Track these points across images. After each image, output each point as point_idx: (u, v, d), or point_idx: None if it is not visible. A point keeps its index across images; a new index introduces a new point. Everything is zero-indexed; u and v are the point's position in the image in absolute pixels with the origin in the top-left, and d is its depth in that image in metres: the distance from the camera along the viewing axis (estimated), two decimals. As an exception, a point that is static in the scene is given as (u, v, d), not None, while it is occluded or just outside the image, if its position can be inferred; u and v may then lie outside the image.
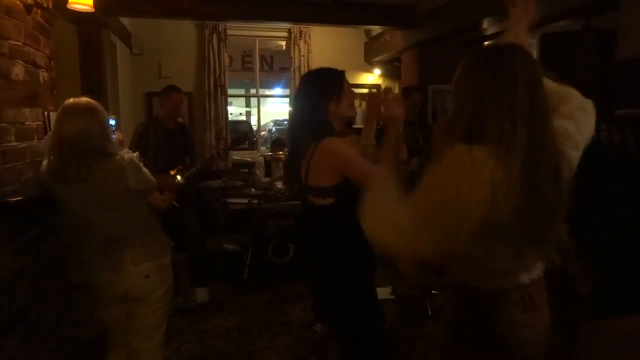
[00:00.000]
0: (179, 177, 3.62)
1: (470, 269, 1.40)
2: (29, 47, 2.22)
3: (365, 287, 1.95)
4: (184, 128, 4.03)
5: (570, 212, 1.50)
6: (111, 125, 2.43)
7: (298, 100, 2.01)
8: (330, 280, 1.95)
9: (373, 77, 6.96)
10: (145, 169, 2.10)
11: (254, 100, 7.84)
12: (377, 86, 6.90)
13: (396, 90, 5.77)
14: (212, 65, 6.26)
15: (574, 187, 1.51)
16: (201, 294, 3.90)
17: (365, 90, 6.77)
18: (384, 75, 6.98)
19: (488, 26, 4.61)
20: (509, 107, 1.17)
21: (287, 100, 7.07)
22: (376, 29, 6.24)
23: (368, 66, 6.92)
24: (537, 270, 1.47)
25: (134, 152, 2.16)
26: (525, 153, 1.15)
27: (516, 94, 1.17)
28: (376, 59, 6.69)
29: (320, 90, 1.93)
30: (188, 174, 3.67)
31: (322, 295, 2.07)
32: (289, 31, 6.56)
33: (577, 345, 1.75)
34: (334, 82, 1.95)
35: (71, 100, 1.98)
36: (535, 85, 1.22)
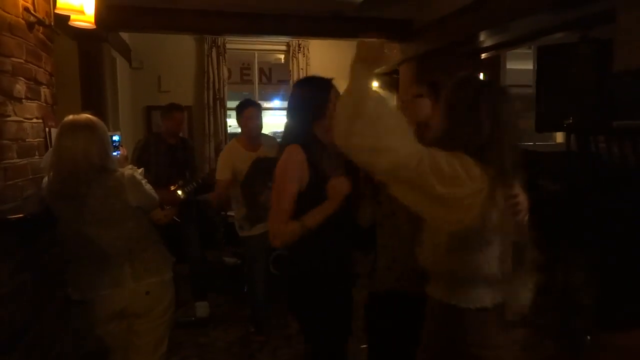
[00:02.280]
0: (179, 192, 3.62)
1: (451, 285, 1.43)
2: (31, 64, 2.24)
3: (327, 298, 1.92)
4: (185, 143, 4.04)
5: (571, 223, 1.58)
6: (116, 140, 2.45)
7: (287, 112, 2.03)
8: (295, 288, 1.99)
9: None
10: (147, 186, 2.10)
11: (253, 113, 7.84)
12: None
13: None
14: (211, 79, 6.29)
15: (574, 199, 1.59)
16: (202, 309, 3.88)
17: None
18: (383, 87, 7.01)
19: (485, 39, 4.65)
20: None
21: (285, 112, 7.09)
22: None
23: (366, 78, 6.95)
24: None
25: (138, 167, 2.17)
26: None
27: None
28: (374, 71, 6.72)
29: (303, 104, 1.94)
30: (189, 188, 3.68)
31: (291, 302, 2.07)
32: (288, 44, 6.61)
33: (581, 358, 1.74)
34: (319, 96, 1.93)
35: (70, 117, 1.99)
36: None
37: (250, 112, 3.32)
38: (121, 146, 2.49)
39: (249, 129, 3.35)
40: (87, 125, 1.96)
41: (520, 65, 7.13)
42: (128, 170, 2.07)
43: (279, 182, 1.84)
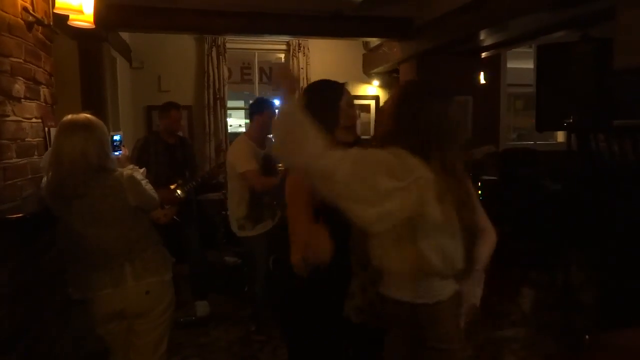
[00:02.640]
0: (179, 191, 3.63)
1: (406, 281, 1.44)
2: (30, 64, 2.24)
3: (306, 306, 1.85)
4: (184, 142, 4.04)
5: (572, 222, 1.60)
6: (117, 140, 2.45)
7: None
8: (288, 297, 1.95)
9: (372, 88, 6.99)
10: (148, 186, 2.10)
11: (253, 113, 7.84)
12: (377, 97, 6.93)
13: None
14: (211, 79, 6.29)
15: (574, 198, 1.60)
16: (202, 308, 3.88)
17: (364, 102, 6.80)
18: (383, 86, 7.01)
19: (485, 37, 4.65)
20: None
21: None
22: (374, 41, 6.28)
23: (367, 78, 6.95)
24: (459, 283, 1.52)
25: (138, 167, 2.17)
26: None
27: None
28: (374, 70, 6.72)
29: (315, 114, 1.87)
30: (188, 187, 3.68)
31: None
32: (288, 44, 6.60)
33: (582, 357, 1.74)
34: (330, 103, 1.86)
35: (69, 117, 1.99)
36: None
37: (271, 114, 3.31)
38: (123, 146, 2.49)
39: (267, 129, 3.35)
40: (85, 125, 1.96)
41: (521, 64, 7.12)
42: (127, 170, 2.07)
43: (292, 209, 1.72)
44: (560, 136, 7.24)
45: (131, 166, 2.32)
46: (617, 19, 3.06)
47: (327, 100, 1.82)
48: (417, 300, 1.42)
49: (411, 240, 1.38)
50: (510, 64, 6.72)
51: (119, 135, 2.56)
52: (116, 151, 2.44)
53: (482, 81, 5.76)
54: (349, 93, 1.90)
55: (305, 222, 1.62)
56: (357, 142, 1.82)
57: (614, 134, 3.27)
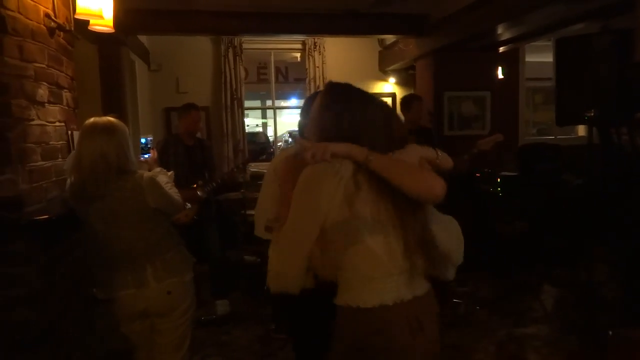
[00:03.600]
0: (199, 192, 3.66)
1: (345, 286, 1.39)
2: (53, 69, 2.29)
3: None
4: (203, 144, 4.08)
5: (594, 217, 1.52)
6: (146, 143, 2.49)
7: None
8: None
9: (388, 85, 6.97)
10: (172, 190, 2.14)
11: (270, 112, 7.89)
12: (393, 95, 6.90)
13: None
14: (228, 79, 6.34)
15: (597, 193, 1.53)
16: (222, 307, 3.92)
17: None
18: (399, 83, 6.98)
19: (502, 32, 4.59)
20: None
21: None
22: (390, 38, 6.26)
23: (383, 75, 6.93)
24: (422, 287, 1.43)
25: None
26: None
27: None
28: (390, 67, 6.70)
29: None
30: (208, 188, 3.72)
31: None
32: (304, 43, 6.62)
33: (605, 354, 1.71)
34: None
35: (91, 120, 2.03)
36: None
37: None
38: (152, 149, 2.53)
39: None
40: (105, 128, 2.00)
41: (540, 58, 7.02)
42: (149, 172, 2.10)
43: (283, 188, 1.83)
44: (581, 130, 7.12)
45: (158, 169, 2.36)
46: (637, 9, 3.00)
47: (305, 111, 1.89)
48: (360, 305, 1.35)
49: (341, 244, 1.35)
50: (529, 58, 6.63)
51: (147, 139, 2.62)
52: (145, 154, 2.49)
53: (500, 76, 5.69)
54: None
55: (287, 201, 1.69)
56: None
57: (636, 126, 3.21)
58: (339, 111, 1.42)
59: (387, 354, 1.33)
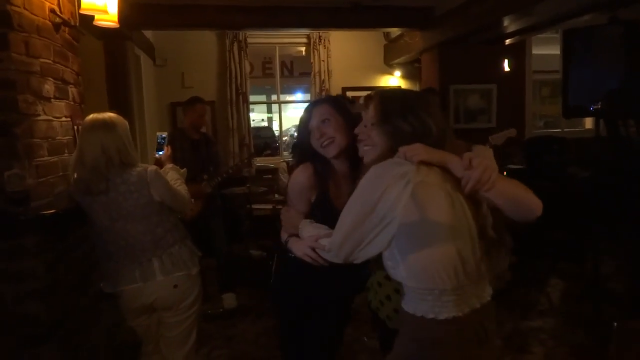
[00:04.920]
0: (205, 186, 3.68)
1: (421, 294, 1.33)
2: (58, 64, 2.30)
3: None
4: (208, 139, 4.08)
5: (601, 211, 1.49)
6: (162, 138, 2.52)
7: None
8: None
9: (394, 79, 6.94)
10: (182, 187, 2.16)
11: (275, 106, 7.89)
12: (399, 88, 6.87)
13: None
14: (233, 74, 6.34)
15: (604, 186, 1.50)
16: (229, 300, 3.94)
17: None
18: (405, 77, 6.95)
19: (509, 24, 4.55)
20: None
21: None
22: (395, 31, 6.22)
23: (388, 68, 6.90)
24: (488, 293, 1.40)
25: (157, 163, 2.22)
26: None
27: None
28: (396, 60, 6.67)
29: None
30: (214, 183, 3.73)
31: None
32: (308, 37, 6.60)
33: (611, 346, 1.71)
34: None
35: (91, 115, 2.05)
36: None
37: None
38: (166, 145, 2.55)
39: None
40: (105, 123, 2.01)
41: (547, 50, 6.96)
42: (153, 166, 2.12)
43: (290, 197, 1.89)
44: (588, 123, 7.06)
45: (170, 165, 2.37)
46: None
47: (304, 121, 1.83)
48: (430, 315, 1.31)
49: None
50: (535, 50, 6.57)
51: (163, 134, 2.64)
52: (160, 150, 2.51)
53: (507, 69, 5.66)
54: (325, 107, 1.79)
55: (295, 211, 1.77)
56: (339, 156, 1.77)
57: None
58: (424, 116, 1.37)
59: None
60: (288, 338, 1.98)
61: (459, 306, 1.30)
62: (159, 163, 2.49)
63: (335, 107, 1.78)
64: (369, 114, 1.44)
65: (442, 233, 1.27)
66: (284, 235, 1.78)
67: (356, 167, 1.68)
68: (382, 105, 1.41)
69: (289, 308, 1.96)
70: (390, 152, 1.36)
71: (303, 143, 1.83)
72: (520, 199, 1.28)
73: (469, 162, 1.22)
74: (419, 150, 1.28)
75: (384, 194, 1.27)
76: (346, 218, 1.36)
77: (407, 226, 1.27)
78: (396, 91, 1.64)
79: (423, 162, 1.28)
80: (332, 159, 1.77)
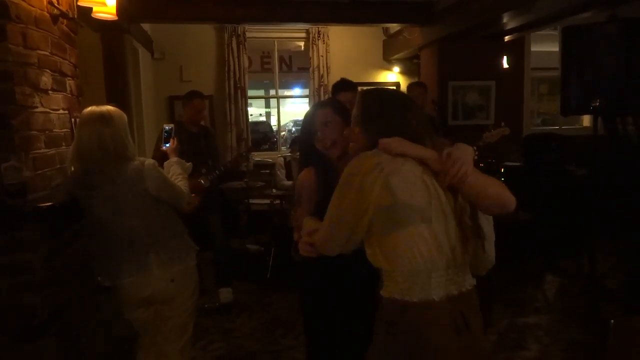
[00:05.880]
0: (202, 180, 3.67)
1: (395, 277, 1.36)
2: (56, 57, 2.29)
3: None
4: (207, 131, 4.07)
5: (598, 208, 1.51)
6: (168, 131, 2.52)
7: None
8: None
9: (392, 75, 6.93)
10: (182, 182, 2.17)
11: (273, 101, 7.88)
12: (397, 84, 6.87)
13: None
14: (231, 68, 6.32)
15: (604, 182, 1.52)
16: (225, 294, 3.94)
17: (384, 89, 6.77)
18: (404, 72, 6.94)
19: (508, 20, 4.55)
20: None
21: (306, 100, 7.10)
22: (394, 27, 6.21)
23: (387, 64, 6.89)
24: (469, 282, 1.42)
25: (157, 156, 2.21)
26: None
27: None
28: (395, 56, 6.66)
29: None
30: (212, 176, 3.72)
31: None
32: (307, 32, 6.58)
33: (607, 343, 1.71)
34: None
35: (89, 108, 2.04)
36: None
37: None
38: (173, 138, 2.54)
39: None
40: (102, 116, 2.00)
41: (546, 47, 6.96)
42: (151, 160, 2.11)
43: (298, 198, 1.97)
44: (586, 120, 7.07)
45: (175, 159, 2.37)
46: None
47: (307, 124, 1.93)
48: (410, 298, 1.34)
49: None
50: (534, 47, 6.58)
51: (169, 126, 2.64)
52: (167, 142, 2.51)
53: (505, 65, 5.65)
54: (327, 111, 1.89)
55: (302, 210, 1.83)
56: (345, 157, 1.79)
57: (642, 117, 3.19)
58: (403, 113, 1.47)
59: (431, 351, 1.32)
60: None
61: (432, 289, 1.33)
62: (165, 155, 2.48)
63: (335, 110, 1.89)
64: (353, 115, 1.55)
65: (415, 216, 1.33)
66: (296, 236, 1.85)
67: None
68: (363, 105, 1.51)
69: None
70: (373, 149, 1.44)
71: (306, 143, 1.94)
72: (490, 194, 1.34)
73: (447, 156, 1.31)
74: (396, 144, 1.37)
75: (361, 183, 1.35)
76: (330, 211, 1.45)
77: (381, 210, 1.34)
78: (376, 90, 1.71)
79: (401, 155, 1.36)
80: (337, 159, 1.86)
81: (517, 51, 5.97)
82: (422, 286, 1.33)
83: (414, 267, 1.33)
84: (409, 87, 4.32)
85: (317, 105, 1.99)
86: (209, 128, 4.30)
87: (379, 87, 1.48)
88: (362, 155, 1.41)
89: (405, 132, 1.42)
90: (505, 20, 4.52)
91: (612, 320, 1.62)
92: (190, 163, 2.44)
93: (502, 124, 3.37)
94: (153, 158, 2.32)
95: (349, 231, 1.41)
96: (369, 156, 1.39)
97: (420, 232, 1.33)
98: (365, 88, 1.61)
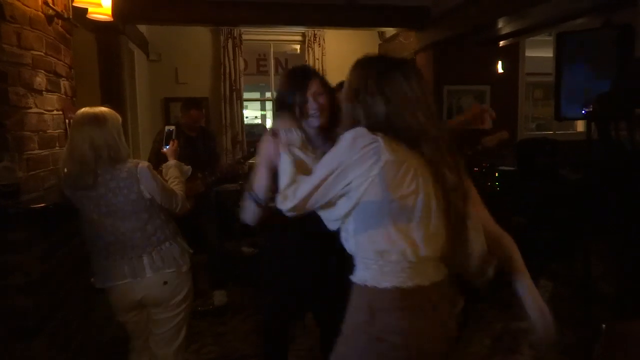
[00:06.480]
0: (198, 185, 3.64)
1: (368, 264, 1.36)
2: (51, 57, 2.28)
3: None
4: (206, 134, 4.02)
5: (592, 213, 1.51)
6: (169, 132, 2.51)
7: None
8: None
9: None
10: (178, 186, 2.16)
11: (269, 104, 7.88)
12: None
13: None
14: (227, 70, 6.32)
15: (594, 188, 1.53)
16: (219, 297, 3.93)
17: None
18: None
19: (503, 25, 4.58)
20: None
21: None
22: (390, 31, 6.24)
23: (383, 68, 6.91)
24: (440, 273, 1.41)
25: (154, 159, 2.20)
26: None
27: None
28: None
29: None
30: (208, 181, 3.70)
31: None
32: (303, 34, 6.60)
33: (599, 347, 1.72)
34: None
35: (83, 109, 2.02)
36: None
37: None
38: (173, 140, 2.52)
39: None
40: (95, 118, 1.98)
41: (541, 52, 7.01)
42: (144, 162, 2.10)
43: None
44: (580, 126, 7.12)
45: (174, 162, 2.35)
46: (639, 5, 2.99)
47: (294, 91, 1.87)
48: (379, 285, 1.34)
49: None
50: (529, 53, 6.61)
51: (170, 128, 2.62)
52: (167, 144, 2.50)
53: (500, 70, 5.69)
54: (318, 82, 1.89)
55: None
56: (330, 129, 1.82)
57: (635, 122, 3.21)
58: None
59: (396, 334, 1.32)
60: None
61: (403, 278, 1.33)
62: (163, 157, 2.47)
63: (324, 85, 1.92)
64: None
65: (400, 211, 1.32)
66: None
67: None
68: (350, 80, 1.47)
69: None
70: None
71: (284, 104, 1.89)
72: None
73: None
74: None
75: (358, 161, 1.32)
76: (319, 171, 1.40)
77: (369, 204, 1.33)
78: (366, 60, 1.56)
79: (389, 140, 1.32)
80: (312, 130, 1.87)
81: (512, 56, 6.01)
82: (393, 274, 1.33)
83: (387, 258, 1.33)
84: None
85: (310, 73, 1.94)
86: (207, 130, 4.26)
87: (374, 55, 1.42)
88: (364, 130, 1.34)
89: (400, 121, 1.36)
90: (500, 25, 4.55)
91: (604, 325, 1.63)
92: (189, 166, 2.43)
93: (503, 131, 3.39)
94: (150, 160, 2.31)
95: (326, 200, 1.39)
96: (369, 134, 1.32)
97: (400, 228, 1.32)
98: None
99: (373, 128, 1.34)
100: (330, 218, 1.46)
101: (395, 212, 1.32)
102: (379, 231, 1.33)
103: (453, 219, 1.39)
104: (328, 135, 1.80)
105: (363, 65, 1.47)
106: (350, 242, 1.40)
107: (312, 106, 1.85)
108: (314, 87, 1.87)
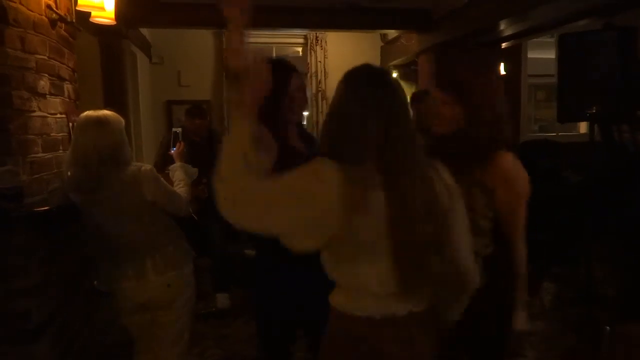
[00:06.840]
0: (201, 191, 3.63)
1: (342, 291, 1.33)
2: (54, 61, 2.29)
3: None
4: (213, 136, 3.95)
5: (594, 215, 1.47)
6: (176, 134, 2.51)
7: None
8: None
9: (390, 80, 6.95)
10: (182, 189, 2.17)
11: (271, 106, 7.88)
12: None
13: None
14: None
15: (597, 190, 1.50)
16: (222, 300, 3.93)
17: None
18: (401, 78, 6.96)
19: (505, 27, 4.58)
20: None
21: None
22: (392, 33, 6.24)
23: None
24: (420, 304, 1.34)
25: (159, 162, 2.20)
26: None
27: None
28: (393, 62, 6.68)
29: None
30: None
31: None
32: (305, 37, 6.61)
33: (601, 349, 1.72)
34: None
35: (86, 113, 2.03)
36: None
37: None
38: (179, 142, 2.53)
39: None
40: (98, 121, 1.98)
41: (543, 54, 7.00)
42: (148, 165, 2.10)
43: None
44: (583, 127, 7.11)
45: (179, 164, 2.36)
46: (642, 6, 2.99)
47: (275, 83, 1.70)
48: (355, 313, 1.29)
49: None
50: (531, 54, 6.62)
51: (177, 130, 2.63)
52: (174, 146, 2.51)
53: (502, 72, 5.68)
54: (299, 77, 1.89)
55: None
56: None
57: (637, 124, 3.21)
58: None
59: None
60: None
61: (372, 309, 1.29)
62: (170, 159, 2.47)
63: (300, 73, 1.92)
64: None
65: (366, 254, 1.26)
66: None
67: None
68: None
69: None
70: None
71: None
72: None
73: None
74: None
75: (320, 195, 1.22)
76: (278, 184, 1.30)
77: (335, 243, 1.26)
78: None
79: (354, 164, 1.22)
80: (290, 125, 1.86)
81: (514, 58, 6.01)
82: (366, 306, 1.29)
83: (360, 292, 1.30)
84: (420, 96, 4.02)
85: (292, 68, 1.90)
86: (214, 131, 4.17)
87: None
88: (329, 163, 1.23)
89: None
90: (502, 27, 4.55)
91: (607, 327, 1.62)
92: (196, 169, 2.43)
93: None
94: (156, 162, 2.31)
95: (283, 227, 1.30)
96: (335, 168, 1.21)
97: (366, 267, 1.27)
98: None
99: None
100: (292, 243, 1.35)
101: (356, 249, 1.26)
102: (343, 265, 1.30)
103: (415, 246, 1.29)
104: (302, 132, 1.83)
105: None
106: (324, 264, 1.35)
107: (295, 101, 1.85)
108: (298, 82, 1.88)
